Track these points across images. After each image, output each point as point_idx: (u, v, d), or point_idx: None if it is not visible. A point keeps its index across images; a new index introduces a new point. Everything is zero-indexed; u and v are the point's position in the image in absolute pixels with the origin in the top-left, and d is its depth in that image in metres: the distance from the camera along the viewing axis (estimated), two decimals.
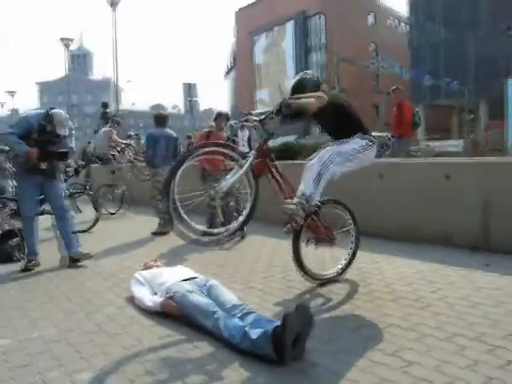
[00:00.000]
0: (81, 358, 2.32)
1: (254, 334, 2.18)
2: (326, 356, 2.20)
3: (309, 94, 3.15)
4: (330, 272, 3.46)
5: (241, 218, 3.08)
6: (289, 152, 11.34)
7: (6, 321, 2.92)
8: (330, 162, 3.02)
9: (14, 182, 6.80)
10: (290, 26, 43.48)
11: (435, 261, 3.90)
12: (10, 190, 6.93)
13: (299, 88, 3.26)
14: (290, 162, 6.33)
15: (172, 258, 4.44)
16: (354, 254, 3.57)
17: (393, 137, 8.83)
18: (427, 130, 30.84)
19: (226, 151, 3.01)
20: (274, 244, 4.84)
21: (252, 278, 3.66)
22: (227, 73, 55.89)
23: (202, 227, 3.04)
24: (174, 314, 2.74)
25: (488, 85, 26.84)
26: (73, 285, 3.69)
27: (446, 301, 2.93)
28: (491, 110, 28.49)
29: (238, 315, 2.46)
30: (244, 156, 2.98)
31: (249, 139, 8.56)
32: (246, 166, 2.89)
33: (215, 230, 3.06)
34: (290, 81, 3.49)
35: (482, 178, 4.32)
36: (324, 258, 3.51)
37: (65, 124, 4.35)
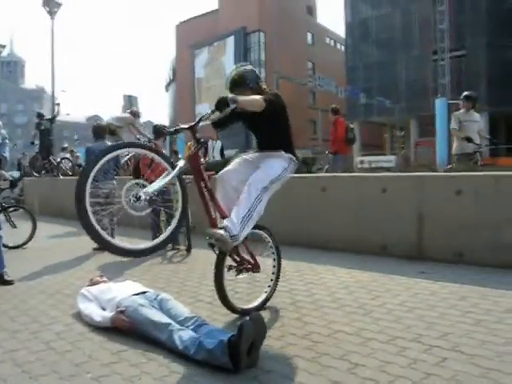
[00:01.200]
0: (29, 378, 2.26)
1: (210, 344, 2.24)
2: (279, 362, 2.30)
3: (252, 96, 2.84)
4: (254, 304, 3.10)
5: (167, 232, 2.78)
6: None
7: None
8: (259, 200, 2.76)
9: None
10: (230, 42, 44.11)
11: (374, 270, 4.13)
12: None
13: (241, 82, 2.97)
14: None
15: (117, 273, 4.36)
16: (277, 279, 3.27)
17: (330, 153, 9.24)
18: (362, 146, 32.30)
19: (150, 154, 2.74)
20: None
21: (200, 292, 3.69)
22: (167, 85, 55.50)
23: (120, 243, 2.58)
24: (126, 328, 2.72)
25: (418, 104, 28.64)
26: (15, 303, 3.54)
27: (386, 307, 3.13)
28: (421, 127, 30.37)
29: (191, 327, 2.50)
30: (172, 164, 2.72)
31: (221, 150, 8.65)
32: (176, 170, 2.65)
33: (139, 247, 2.68)
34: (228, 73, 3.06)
35: (415, 192, 4.65)
36: (247, 288, 3.36)
37: None
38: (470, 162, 6.49)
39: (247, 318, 2.31)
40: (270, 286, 3.22)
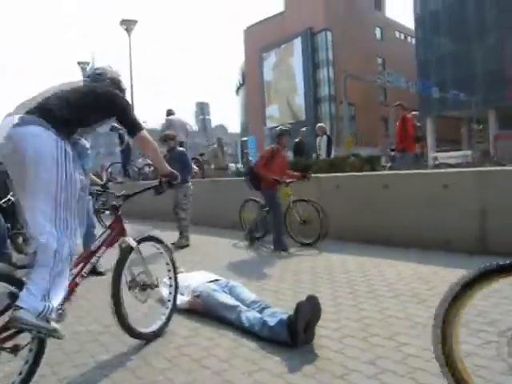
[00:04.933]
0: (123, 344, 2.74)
1: (271, 322, 2.59)
2: (333, 340, 2.60)
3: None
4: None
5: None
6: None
7: None
8: None
9: None
10: (297, 43, 44.31)
11: (434, 264, 4.27)
12: None
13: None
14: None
15: (194, 264, 4.84)
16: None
17: (393, 150, 9.27)
18: (437, 141, 31.14)
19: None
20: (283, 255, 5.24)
21: (265, 282, 4.06)
22: (238, 89, 56.89)
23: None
24: (201, 310, 3.15)
25: (496, 95, 27.15)
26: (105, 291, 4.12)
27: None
28: (501, 120, 28.73)
29: (257, 309, 2.87)
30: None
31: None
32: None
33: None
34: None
35: (478, 186, 4.70)
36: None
37: None
38: None
39: (304, 299, 2.62)
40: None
